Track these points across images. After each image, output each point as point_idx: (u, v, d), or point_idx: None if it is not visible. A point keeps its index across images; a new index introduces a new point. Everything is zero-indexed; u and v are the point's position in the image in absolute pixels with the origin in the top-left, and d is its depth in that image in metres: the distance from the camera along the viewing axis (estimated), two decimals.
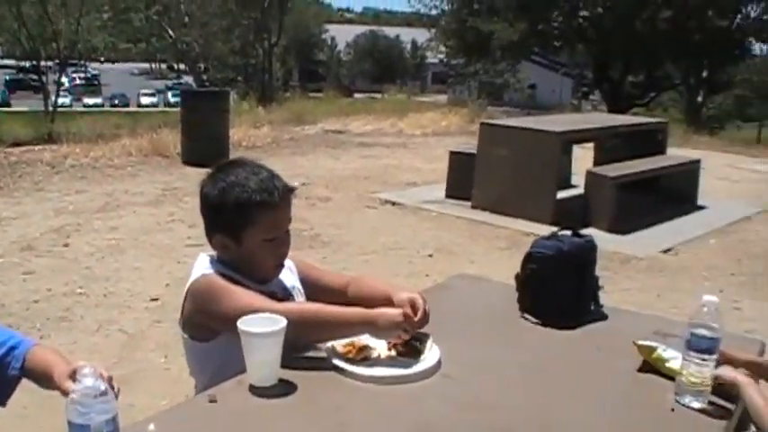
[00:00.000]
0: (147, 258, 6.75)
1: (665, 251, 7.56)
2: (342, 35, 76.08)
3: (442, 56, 44.04)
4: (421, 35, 53.62)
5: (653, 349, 2.17)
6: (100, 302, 5.69)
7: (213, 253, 2.34)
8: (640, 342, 2.20)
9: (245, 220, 2.22)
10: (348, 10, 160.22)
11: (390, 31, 79.87)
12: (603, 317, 2.61)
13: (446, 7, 37.13)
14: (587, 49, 33.67)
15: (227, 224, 2.25)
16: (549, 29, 32.60)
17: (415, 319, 2.17)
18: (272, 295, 2.22)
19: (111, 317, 5.41)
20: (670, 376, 2.07)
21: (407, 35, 73.00)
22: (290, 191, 2.30)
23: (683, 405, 1.98)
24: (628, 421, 1.96)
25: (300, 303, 2.27)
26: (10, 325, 5.17)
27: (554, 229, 2.68)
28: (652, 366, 2.17)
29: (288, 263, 2.42)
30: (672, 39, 27.90)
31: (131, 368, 4.60)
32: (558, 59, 45.90)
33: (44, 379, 1.94)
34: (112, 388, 1.72)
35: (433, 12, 39.52)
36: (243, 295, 2.14)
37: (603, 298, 2.71)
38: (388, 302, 2.28)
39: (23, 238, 7.27)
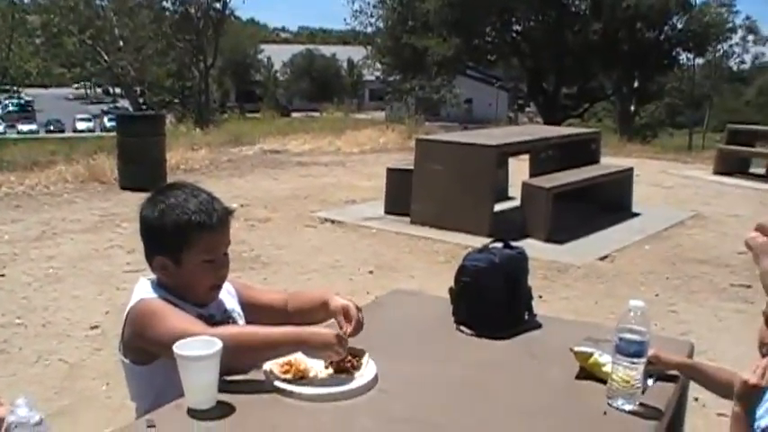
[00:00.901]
0: (86, 286, 6.67)
1: (602, 258, 7.69)
2: (278, 55, 75.97)
3: (378, 73, 44.25)
4: (357, 53, 53.81)
5: (589, 355, 2.23)
6: (39, 332, 5.61)
7: (153, 277, 2.36)
8: (577, 348, 2.26)
9: (185, 242, 2.25)
10: (283, 29, 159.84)
11: (326, 50, 80.00)
12: (537, 326, 2.67)
13: (381, 25, 37.36)
14: (521, 63, 34.17)
15: (167, 245, 2.27)
16: (483, 43, 33.05)
17: (349, 329, 2.22)
18: (211, 318, 2.25)
19: (51, 347, 5.34)
20: (606, 381, 2.13)
21: (344, 53, 73.14)
22: (228, 213, 2.35)
23: (615, 408, 2.04)
24: (562, 427, 2.01)
25: (234, 327, 2.29)
26: None
27: (486, 242, 2.74)
28: (589, 372, 2.23)
29: (227, 286, 2.45)
30: (602, 50, 28.48)
31: (73, 398, 4.54)
32: (493, 73, 46.44)
33: None
34: None
35: (369, 29, 39.80)
36: (179, 320, 2.16)
37: (541, 307, 2.78)
38: (326, 308, 2.36)
39: None
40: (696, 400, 4.26)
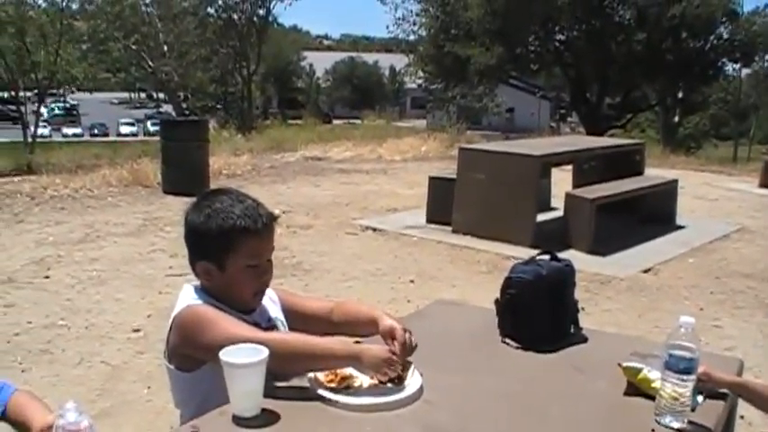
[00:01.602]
0: (129, 289, 6.73)
1: (646, 271, 7.61)
2: (320, 62, 76.37)
3: (420, 81, 44.18)
4: (399, 61, 53.81)
5: (638, 370, 2.19)
6: (81, 334, 5.66)
7: (197, 283, 2.36)
8: (625, 364, 2.22)
9: (229, 247, 2.25)
10: (326, 37, 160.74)
11: (369, 58, 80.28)
12: (583, 339, 2.63)
13: (424, 33, 37.34)
14: (564, 72, 33.99)
15: (211, 250, 2.27)
16: (526, 53, 32.87)
17: (397, 350, 2.19)
18: (256, 326, 2.24)
19: (93, 349, 5.38)
20: (654, 397, 2.09)
21: (386, 61, 73.33)
22: (273, 219, 2.34)
23: (663, 425, 2.00)
24: None
25: (284, 333, 2.27)
26: None
27: (533, 252, 2.72)
28: (638, 389, 2.19)
29: (270, 293, 2.45)
30: (647, 60, 28.23)
31: (114, 400, 4.58)
32: (536, 83, 46.32)
33: (23, 427, 1.94)
34: None
35: (411, 37, 39.76)
36: (228, 325, 2.16)
37: (584, 320, 2.74)
38: (374, 325, 2.33)
39: (3, 271, 7.22)
40: (742, 417, 4.20)
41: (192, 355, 2.25)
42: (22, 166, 17.32)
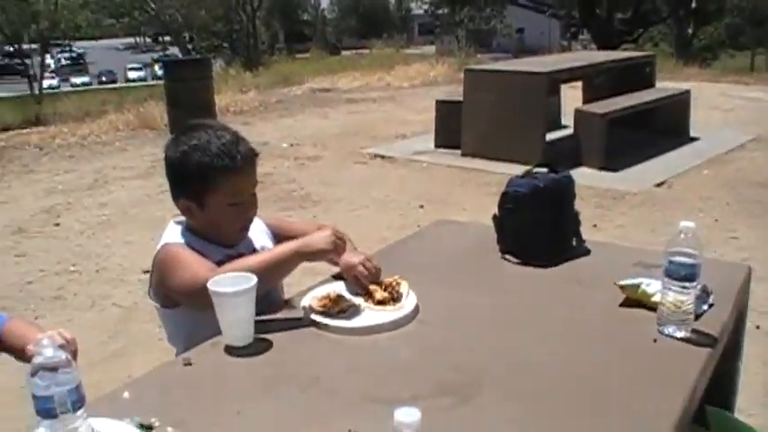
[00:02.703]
0: (138, 231, 6.70)
1: (659, 185, 7.51)
2: None
3: (426, 6, 43.66)
4: None
5: (637, 286, 2.12)
6: (93, 278, 5.67)
7: (182, 218, 2.31)
8: (622, 282, 2.15)
9: (207, 186, 2.19)
10: None
11: None
12: (586, 252, 2.56)
13: None
14: None
15: (190, 189, 2.22)
16: None
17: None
18: (240, 257, 2.19)
19: (105, 292, 5.40)
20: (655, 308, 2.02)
21: None
22: (254, 154, 2.26)
23: (666, 335, 1.94)
24: (608, 355, 1.92)
25: (232, 263, 2.14)
26: (4, 307, 5.15)
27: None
28: (636, 301, 2.13)
29: (258, 224, 2.40)
30: None
31: (127, 341, 4.60)
32: (545, 1, 45.55)
33: (19, 352, 1.93)
34: (75, 354, 1.70)
35: None
36: (194, 268, 2.10)
37: (596, 235, 2.68)
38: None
39: (14, 222, 7.23)
40: (758, 328, 4.16)
41: (167, 294, 2.22)
42: (31, 118, 17.39)
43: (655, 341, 1.93)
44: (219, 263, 2.14)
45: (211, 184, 2.18)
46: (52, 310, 5.16)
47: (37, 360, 1.47)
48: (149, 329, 4.67)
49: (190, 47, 44.98)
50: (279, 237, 2.44)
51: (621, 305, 2.14)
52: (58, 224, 7.12)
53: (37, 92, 32.08)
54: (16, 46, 37.41)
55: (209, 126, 2.27)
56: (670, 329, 1.94)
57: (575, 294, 2.28)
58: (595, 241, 2.68)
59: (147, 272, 5.60)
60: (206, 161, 2.16)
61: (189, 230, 2.28)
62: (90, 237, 6.67)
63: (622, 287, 2.15)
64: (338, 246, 2.10)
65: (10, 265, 6.09)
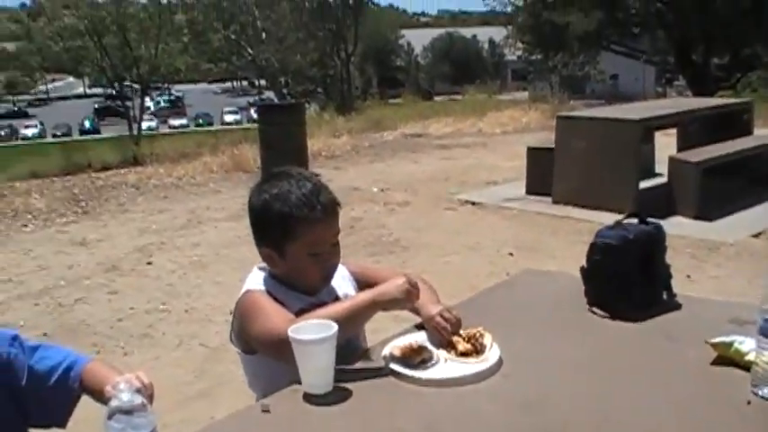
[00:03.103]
0: (229, 272, 6.80)
1: (756, 235, 7.29)
2: (418, 39, 76.14)
3: (519, 53, 43.64)
4: (498, 33, 53.27)
5: (729, 345, 2.02)
6: (182, 318, 5.77)
7: (265, 265, 2.32)
8: (714, 340, 2.06)
9: (287, 235, 2.19)
10: (423, 14, 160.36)
11: (467, 32, 79.71)
12: (677, 306, 2.47)
13: (520, 3, 36.80)
14: (667, 34, 32.91)
15: (270, 237, 2.23)
16: (627, 16, 32.01)
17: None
18: (321, 305, 2.18)
19: (193, 331, 5.47)
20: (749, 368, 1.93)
21: (484, 34, 72.67)
22: (335, 205, 2.25)
23: (761, 397, 1.84)
24: (699, 416, 1.84)
25: (315, 311, 2.12)
26: (95, 343, 5.31)
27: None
28: (729, 360, 2.03)
29: (341, 270, 2.38)
30: (755, 15, 27.03)
31: (212, 381, 4.64)
32: (639, 47, 45.06)
33: (99, 395, 1.95)
34: (151, 398, 1.71)
35: (508, 9, 39.26)
36: (271, 320, 2.10)
37: (690, 287, 2.60)
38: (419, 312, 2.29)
39: (108, 259, 7.43)
40: None
41: (247, 340, 2.23)
42: (129, 159, 17.91)
43: (749, 403, 1.84)
44: (300, 312, 2.13)
45: (291, 233, 2.18)
46: (140, 348, 5.26)
47: (113, 403, 1.48)
48: (234, 371, 4.67)
49: (285, 91, 45.79)
50: (362, 284, 2.42)
51: (713, 363, 2.04)
52: (150, 263, 7.28)
53: (136, 133, 33.08)
54: (118, 88, 38.72)
55: (292, 174, 2.26)
56: (765, 391, 1.85)
57: (664, 351, 2.20)
58: (687, 295, 2.59)
59: None
60: (286, 211, 2.16)
61: (272, 277, 2.28)
62: (181, 276, 6.79)
63: (714, 345, 2.06)
64: (411, 294, 2.08)
65: (102, 302, 6.25)
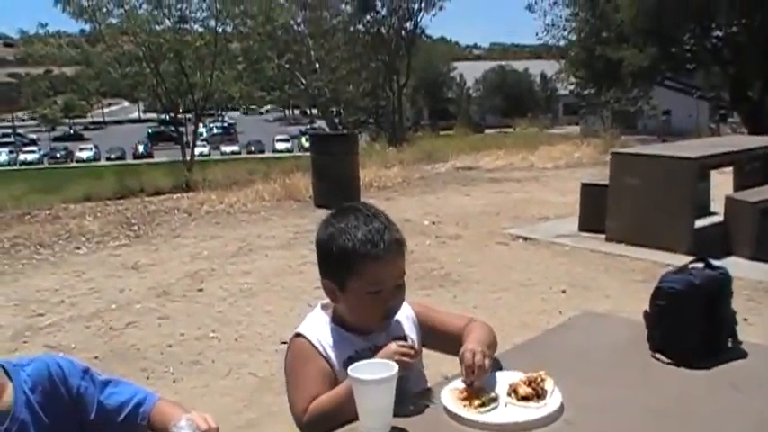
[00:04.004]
0: (279, 301, 6.81)
1: None
2: (470, 72, 76.35)
3: (572, 87, 43.47)
4: (550, 67, 53.18)
5: None
6: (231, 346, 5.77)
7: (328, 302, 2.33)
8: None
9: (349, 271, 2.18)
10: (475, 46, 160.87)
11: (519, 65, 79.81)
12: (742, 355, 2.41)
13: (574, 37, 36.69)
14: (723, 70, 32.55)
15: (333, 271, 2.23)
16: (681, 52, 31.72)
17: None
18: (372, 349, 2.17)
19: (242, 360, 5.47)
20: None
21: (536, 68, 72.57)
22: (400, 245, 2.23)
23: None
24: None
25: (334, 391, 2.11)
26: (144, 368, 5.33)
27: (686, 260, 2.52)
28: None
29: (406, 310, 2.35)
30: None
31: (260, 412, 4.62)
32: (693, 83, 44.66)
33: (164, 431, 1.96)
34: None
35: (561, 43, 39.15)
36: (300, 395, 2.15)
37: (748, 331, 2.53)
38: None
39: (160, 284, 7.48)
40: None
41: None
42: (181, 184, 18.11)
43: None
44: (351, 359, 2.11)
45: (353, 269, 2.17)
46: (189, 375, 5.26)
47: None
48: (282, 402, 4.63)
49: (337, 121, 46.11)
50: (423, 324, 2.40)
51: None
52: (201, 289, 7.31)
53: (188, 158, 33.47)
54: (172, 114, 39.29)
55: (360, 210, 2.26)
56: None
57: (729, 400, 2.13)
58: (753, 343, 2.52)
59: (285, 343, 5.68)
60: (349, 246, 2.16)
61: (330, 317, 2.29)
62: (231, 304, 6.81)
63: None
64: (402, 362, 2.03)
65: (153, 327, 6.28)
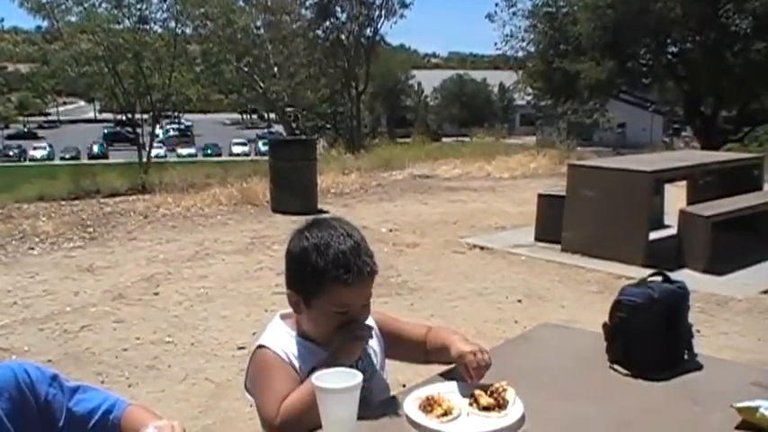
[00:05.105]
0: (235, 306, 6.78)
1: (766, 291, 7.25)
2: (428, 80, 76.62)
3: (529, 98, 43.82)
4: (508, 78, 53.48)
5: (755, 410, 2.01)
6: (187, 351, 5.73)
7: (288, 312, 2.32)
8: (739, 405, 2.05)
9: (317, 288, 2.17)
10: (434, 55, 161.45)
11: (477, 75, 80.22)
12: (698, 367, 2.46)
13: (532, 49, 36.96)
14: (677, 85, 33.05)
15: (300, 284, 2.21)
16: (637, 66, 32.14)
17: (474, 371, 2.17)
18: None
19: (199, 365, 5.43)
20: None
21: (494, 78, 72.94)
22: (371, 273, 2.21)
23: None
24: None
25: (302, 386, 2.13)
26: (99, 372, 5.27)
27: (646, 271, 2.57)
28: (754, 425, 2.02)
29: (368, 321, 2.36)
30: (765, 70, 27.14)
31: (217, 417, 4.60)
32: (648, 97, 45.28)
33: None
34: None
35: (520, 54, 39.38)
36: (270, 398, 2.12)
37: (700, 343, 2.58)
38: (448, 353, 2.28)
39: (115, 287, 7.41)
40: None
41: None
42: (137, 186, 17.89)
43: None
44: (315, 370, 2.09)
45: (322, 288, 2.16)
46: (145, 380, 5.22)
47: None
48: (239, 407, 4.67)
49: (294, 126, 46.01)
50: (387, 335, 2.41)
51: (737, 428, 2.03)
52: (157, 293, 7.25)
53: (145, 160, 33.14)
54: (129, 115, 38.93)
55: (335, 227, 2.23)
56: None
57: (688, 413, 2.17)
58: (707, 355, 2.57)
59: (241, 348, 5.67)
60: (321, 266, 2.14)
61: (292, 328, 2.29)
62: (187, 308, 6.76)
63: (739, 409, 2.05)
64: (361, 335, 2.16)
65: (108, 331, 6.21)
